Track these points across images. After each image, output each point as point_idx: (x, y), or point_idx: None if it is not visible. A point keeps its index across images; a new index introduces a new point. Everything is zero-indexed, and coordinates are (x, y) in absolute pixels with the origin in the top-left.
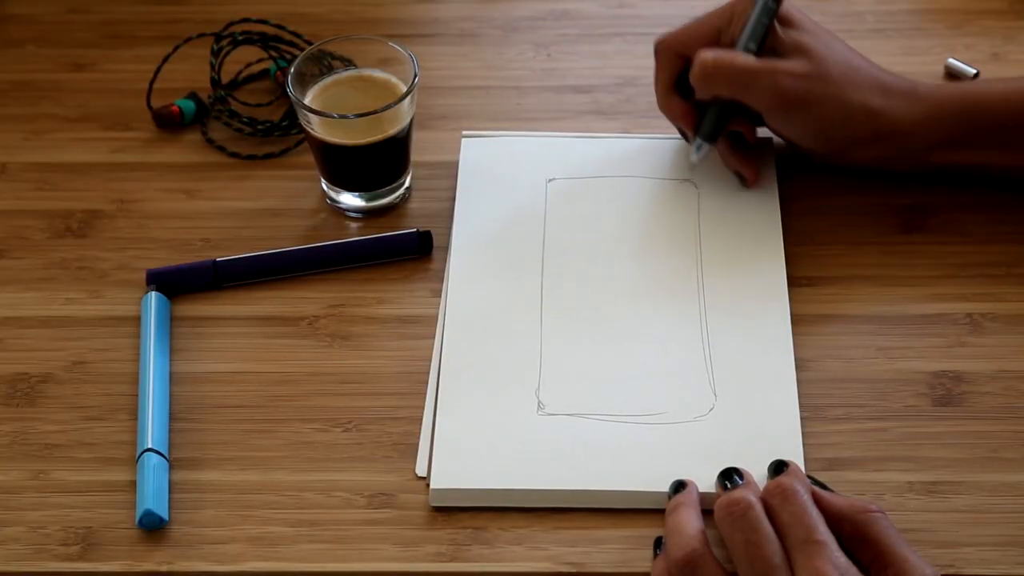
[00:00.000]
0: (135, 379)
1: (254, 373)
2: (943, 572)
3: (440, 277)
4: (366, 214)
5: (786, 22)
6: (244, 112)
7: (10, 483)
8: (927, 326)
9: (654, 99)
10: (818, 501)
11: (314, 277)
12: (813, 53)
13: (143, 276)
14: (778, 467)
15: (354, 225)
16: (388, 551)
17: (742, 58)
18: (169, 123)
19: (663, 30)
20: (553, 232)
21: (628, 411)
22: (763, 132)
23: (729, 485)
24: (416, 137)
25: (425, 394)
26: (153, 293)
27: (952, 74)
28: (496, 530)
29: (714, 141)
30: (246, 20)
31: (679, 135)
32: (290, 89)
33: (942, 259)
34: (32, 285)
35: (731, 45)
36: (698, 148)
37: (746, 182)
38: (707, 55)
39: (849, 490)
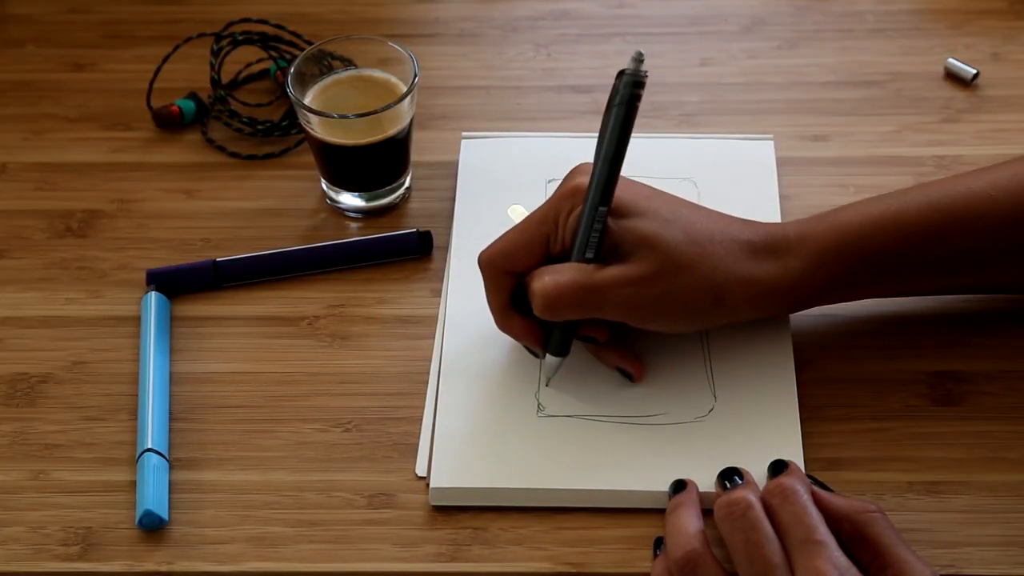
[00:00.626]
0: (135, 379)
1: (254, 373)
2: (943, 572)
3: (440, 277)
4: (366, 214)
5: (619, 212)
6: (244, 112)
7: (10, 483)
8: (927, 326)
9: (654, 99)
10: (818, 501)
11: (314, 277)
12: (657, 242)
13: (143, 276)
14: (778, 467)
15: (354, 225)
16: (388, 551)
17: (582, 277)
18: (169, 123)
19: (663, 30)
20: None
21: (628, 412)
22: None
23: (729, 485)
24: (416, 137)
25: (425, 394)
26: (153, 293)
27: (952, 74)
28: (496, 530)
29: (566, 354)
30: (246, 20)
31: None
32: (290, 89)
33: None
34: (32, 285)
35: (563, 253)
36: (549, 364)
37: (631, 378)
38: (545, 282)
39: (849, 490)
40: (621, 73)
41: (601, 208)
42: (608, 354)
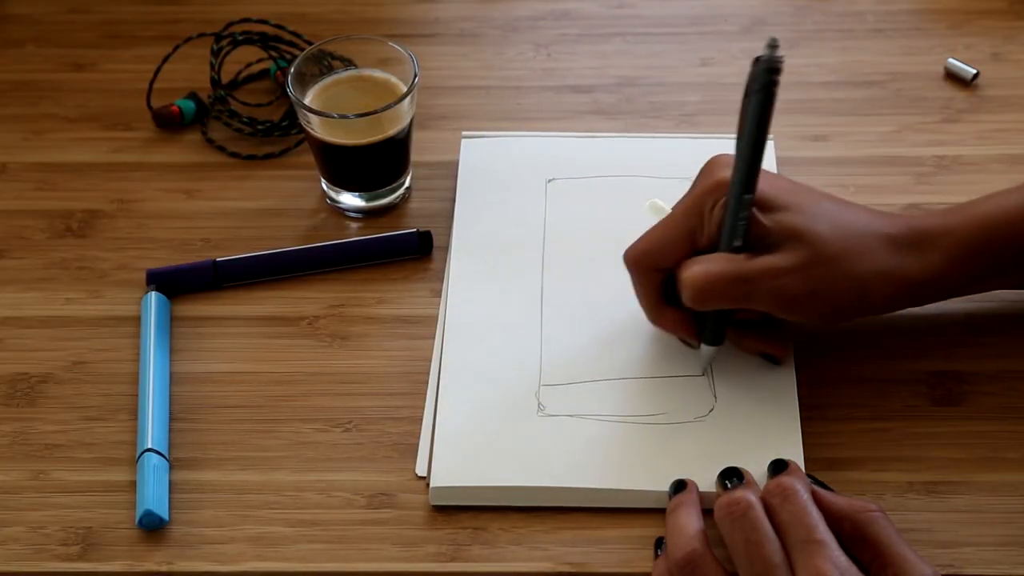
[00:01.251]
0: (135, 379)
1: (254, 373)
2: (943, 572)
3: (440, 277)
4: (366, 214)
5: (764, 206)
6: (244, 112)
7: (10, 483)
8: (927, 326)
9: (655, 99)
10: (818, 500)
11: (314, 277)
12: (805, 235)
13: (143, 276)
14: (778, 467)
15: (354, 225)
16: (388, 551)
17: (732, 265)
18: (169, 123)
19: (663, 30)
20: (553, 232)
21: (628, 412)
22: None
23: (729, 485)
24: (416, 137)
25: (425, 394)
26: (153, 293)
27: (952, 74)
28: (496, 530)
29: (721, 343)
30: (246, 20)
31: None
32: (290, 89)
33: None
34: (32, 285)
35: (710, 246)
36: (705, 354)
37: (776, 361)
38: (695, 272)
39: (849, 490)
40: (757, 60)
41: (746, 196)
42: (750, 341)
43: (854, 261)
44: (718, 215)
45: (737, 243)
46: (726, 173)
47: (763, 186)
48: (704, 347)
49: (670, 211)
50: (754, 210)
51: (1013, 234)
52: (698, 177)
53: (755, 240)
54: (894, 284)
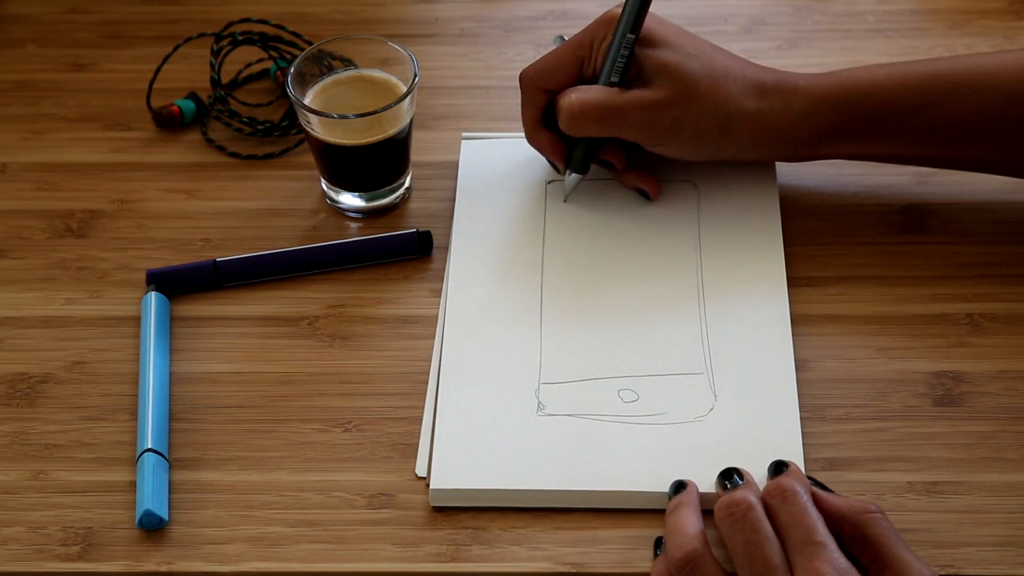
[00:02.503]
0: (135, 379)
1: (254, 373)
2: (942, 572)
3: (440, 277)
4: (366, 214)
5: (647, 41)
6: (244, 112)
7: (10, 483)
8: (927, 326)
9: None
10: (818, 501)
11: (314, 277)
12: (676, 71)
13: (143, 276)
14: (778, 467)
15: (354, 225)
16: (388, 551)
17: (604, 95)
18: (169, 123)
19: None
20: (552, 232)
21: (628, 411)
22: None
23: (729, 485)
24: (416, 137)
25: (425, 394)
26: (153, 293)
27: None
28: (496, 530)
29: (585, 172)
30: (246, 20)
31: (550, 166)
32: (290, 89)
33: (942, 259)
34: (32, 285)
35: (594, 75)
36: (569, 180)
37: (649, 196)
38: (571, 98)
39: (849, 490)
40: None
41: (630, 35)
42: (627, 176)
43: (719, 99)
44: (604, 49)
45: (615, 78)
46: (620, 11)
47: (652, 25)
48: (569, 174)
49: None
50: (636, 46)
51: (874, 98)
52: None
53: (633, 75)
54: (755, 125)
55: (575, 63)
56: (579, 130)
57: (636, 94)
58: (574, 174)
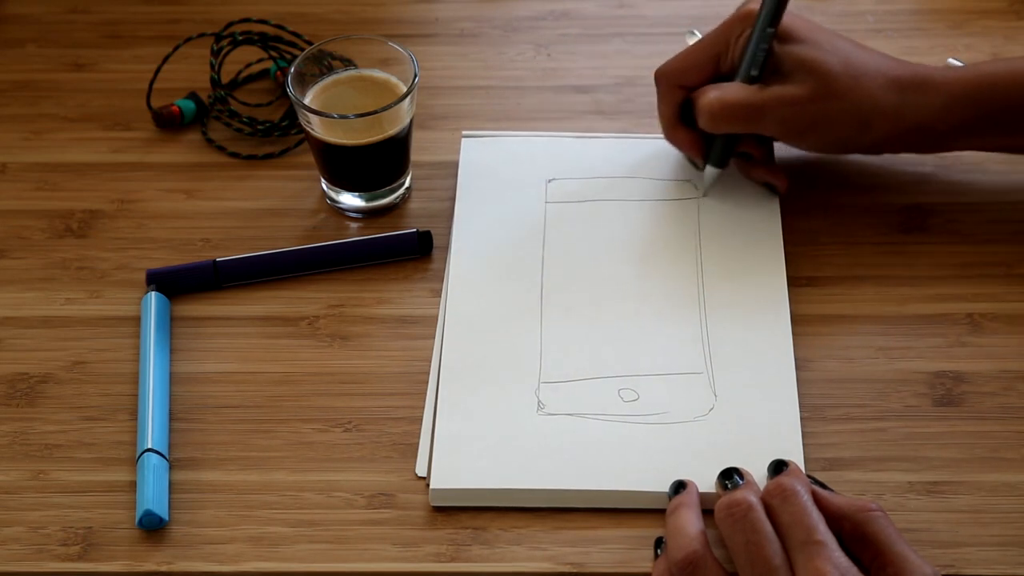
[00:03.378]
0: (135, 379)
1: (254, 373)
2: (943, 572)
3: (440, 277)
4: (366, 214)
5: (784, 37)
6: (244, 112)
7: (10, 483)
8: (927, 326)
9: (655, 99)
10: (818, 500)
11: (314, 277)
12: (816, 67)
13: (143, 276)
14: (778, 467)
15: (354, 225)
16: (388, 551)
17: (744, 93)
18: (169, 123)
19: (663, 30)
20: (553, 232)
21: (628, 411)
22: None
23: (729, 485)
24: (416, 137)
25: (425, 394)
26: (153, 293)
27: None
28: (496, 530)
29: (725, 167)
30: (246, 20)
31: (689, 162)
32: (290, 89)
33: (942, 259)
34: (32, 285)
35: (731, 71)
36: (709, 174)
37: (777, 190)
38: (710, 97)
39: (849, 490)
40: None
41: (769, 29)
42: (758, 170)
43: (859, 96)
44: (742, 44)
45: (754, 72)
46: (756, 6)
47: (788, 21)
48: (708, 168)
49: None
50: (774, 42)
51: (1011, 91)
52: (736, 11)
53: (771, 70)
54: (894, 121)
55: (712, 60)
56: (719, 127)
57: (776, 90)
58: (713, 168)
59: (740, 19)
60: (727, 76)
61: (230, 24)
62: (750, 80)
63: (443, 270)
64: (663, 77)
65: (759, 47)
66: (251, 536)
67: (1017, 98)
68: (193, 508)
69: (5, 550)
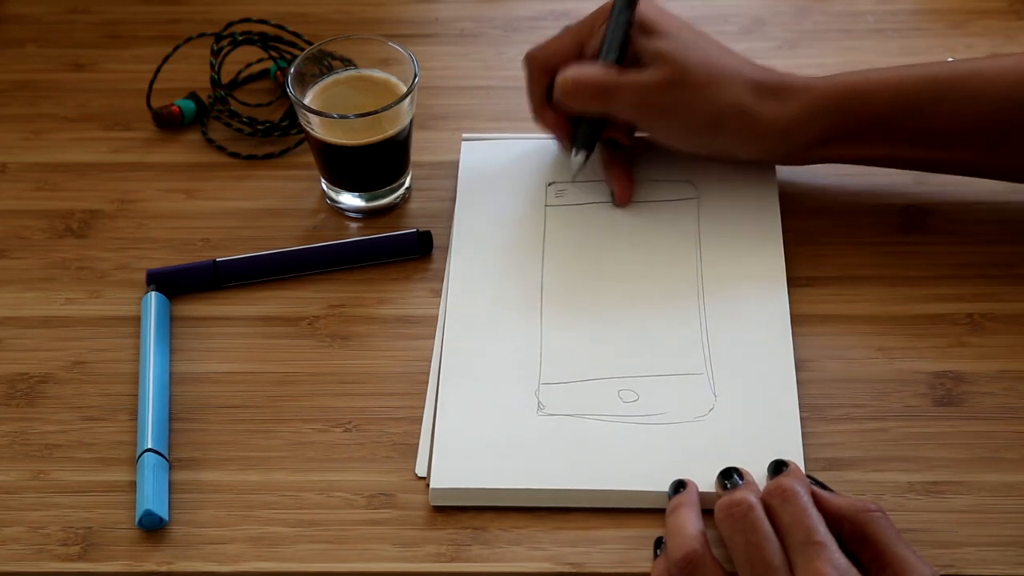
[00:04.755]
0: (135, 379)
1: (254, 373)
2: (943, 572)
3: (440, 277)
4: (366, 214)
5: (646, 29)
6: (244, 112)
7: (10, 483)
8: (927, 326)
9: None
10: (818, 501)
11: (314, 277)
12: (673, 59)
13: (143, 276)
14: (778, 467)
15: (354, 225)
16: (388, 551)
17: (599, 73)
18: (169, 123)
19: None
20: (553, 232)
21: (628, 411)
22: None
23: (729, 485)
24: (416, 137)
25: (425, 394)
26: (153, 293)
27: None
28: (496, 530)
29: (591, 149)
30: (246, 20)
31: (558, 145)
32: (290, 89)
33: (942, 259)
34: (32, 285)
35: (594, 57)
36: (576, 157)
37: (615, 199)
38: (566, 74)
39: (849, 490)
40: None
41: (624, 15)
42: (611, 168)
43: (714, 91)
44: (603, 31)
45: (612, 56)
46: None
47: (650, 13)
48: (575, 152)
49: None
50: (634, 32)
51: (869, 102)
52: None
53: (631, 59)
54: (748, 122)
55: (576, 45)
56: (573, 104)
57: (632, 74)
58: (580, 152)
59: (603, 9)
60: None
61: (230, 24)
62: (609, 63)
63: (443, 270)
64: (531, 61)
65: (616, 28)
66: (251, 536)
67: (872, 109)
68: (193, 508)
69: (5, 550)
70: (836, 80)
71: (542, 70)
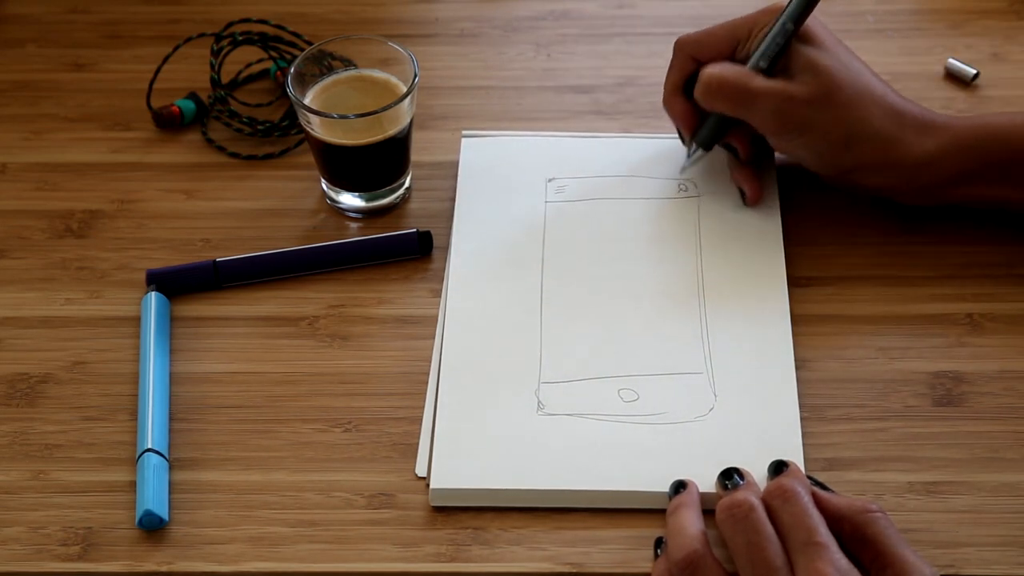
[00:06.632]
0: (135, 379)
1: (254, 373)
2: (943, 572)
3: (440, 277)
4: (366, 214)
5: (805, 38)
6: (244, 112)
7: (10, 483)
8: (927, 326)
9: (655, 99)
10: (818, 501)
11: (314, 277)
12: (824, 73)
13: (143, 276)
14: (778, 467)
15: (354, 225)
16: (388, 551)
17: (747, 78)
18: (169, 123)
19: (663, 30)
20: (553, 232)
21: (628, 411)
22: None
23: (730, 485)
24: (416, 137)
25: (425, 394)
26: (153, 293)
27: (952, 74)
28: (496, 530)
29: (709, 149)
30: (246, 20)
31: (678, 136)
32: (290, 89)
33: (942, 259)
34: (32, 285)
35: (745, 58)
36: (691, 153)
37: (746, 199)
38: (713, 70)
39: (849, 490)
40: None
41: (790, 25)
42: (737, 171)
43: (856, 112)
44: (762, 36)
45: (763, 64)
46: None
47: (815, 26)
48: (693, 148)
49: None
50: (793, 39)
51: (1008, 143)
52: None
53: (781, 66)
54: (884, 150)
55: (731, 42)
56: (712, 103)
57: (777, 83)
58: (698, 149)
59: (768, 11)
60: (741, 64)
61: (230, 24)
62: (758, 70)
63: (443, 270)
64: (681, 45)
65: (775, 39)
66: (251, 536)
67: (1012, 152)
68: (193, 508)
69: (5, 550)
70: (976, 119)
71: (688, 58)
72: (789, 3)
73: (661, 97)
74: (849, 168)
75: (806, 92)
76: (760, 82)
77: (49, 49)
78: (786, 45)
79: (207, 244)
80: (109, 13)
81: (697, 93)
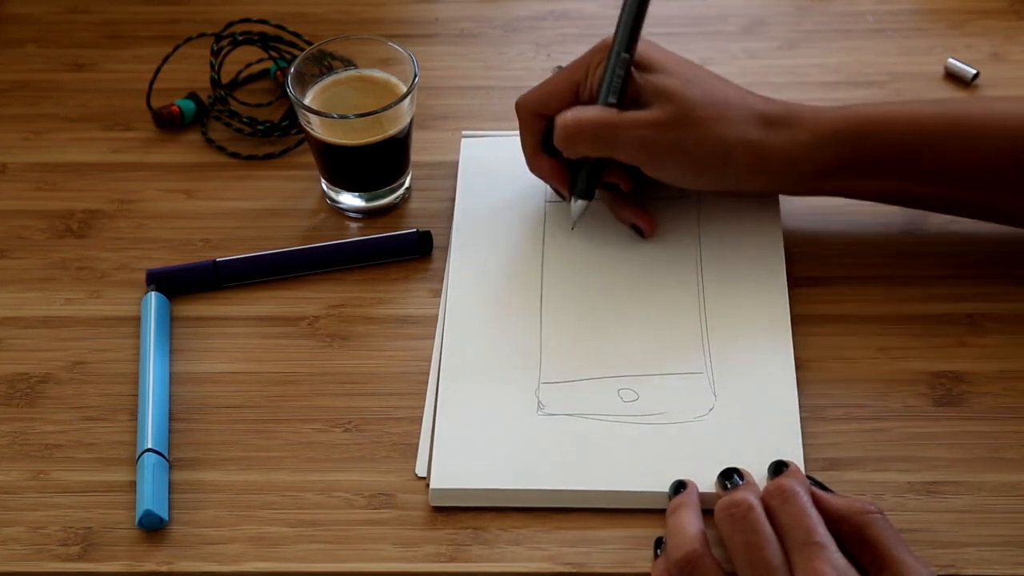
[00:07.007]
0: (135, 379)
1: (254, 373)
2: (943, 572)
3: (440, 277)
4: (366, 214)
5: (644, 66)
6: (244, 112)
7: (10, 483)
8: (927, 326)
9: None
10: (817, 502)
11: (314, 277)
12: (675, 95)
13: (143, 276)
14: (778, 467)
15: (354, 225)
16: (388, 551)
17: (601, 114)
18: (169, 123)
19: (663, 30)
20: (553, 232)
21: (628, 411)
22: None
23: (729, 485)
24: (416, 137)
25: (425, 394)
26: (153, 293)
27: (952, 74)
28: (496, 530)
29: (591, 198)
30: (246, 20)
31: (556, 195)
32: (290, 89)
33: (942, 259)
34: (32, 285)
35: (591, 100)
36: (576, 205)
37: (643, 234)
38: (566, 116)
39: (849, 490)
40: None
41: (624, 55)
42: (624, 209)
43: (721, 126)
44: (600, 73)
45: (612, 99)
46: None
47: (650, 51)
48: (575, 201)
49: None
50: (633, 70)
51: (881, 135)
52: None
53: (630, 98)
54: (758, 154)
55: (570, 88)
56: (575, 149)
57: (634, 113)
58: (580, 201)
59: (597, 50)
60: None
61: (230, 24)
62: (609, 106)
63: (443, 270)
64: (523, 107)
65: (615, 72)
66: (251, 536)
67: (883, 142)
68: (193, 508)
69: (5, 550)
70: (847, 111)
71: (535, 116)
72: (617, 33)
73: None
74: (727, 179)
75: (666, 116)
76: (617, 115)
77: (49, 49)
78: (627, 75)
79: (207, 244)
80: (109, 13)
81: (557, 142)
